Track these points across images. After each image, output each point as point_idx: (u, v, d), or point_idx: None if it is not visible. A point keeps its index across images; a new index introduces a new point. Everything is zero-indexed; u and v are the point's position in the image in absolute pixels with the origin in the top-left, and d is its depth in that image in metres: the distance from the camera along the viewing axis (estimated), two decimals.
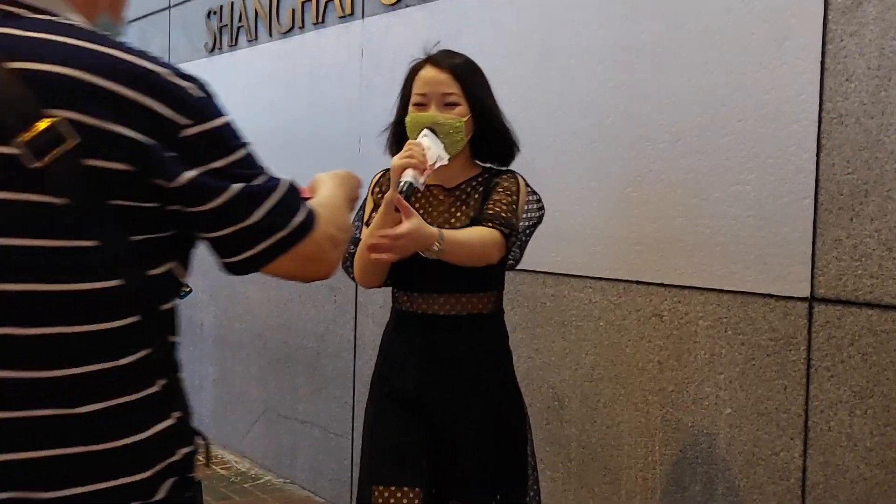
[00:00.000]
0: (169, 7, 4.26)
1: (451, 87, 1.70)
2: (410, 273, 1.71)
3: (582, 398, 2.27)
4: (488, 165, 1.81)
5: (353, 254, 1.76)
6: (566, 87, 2.31)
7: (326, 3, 3.21)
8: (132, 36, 4.66)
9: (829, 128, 1.78)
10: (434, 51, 1.78)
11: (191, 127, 0.83)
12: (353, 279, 1.81)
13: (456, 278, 1.67)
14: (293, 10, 3.37)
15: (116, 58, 0.81)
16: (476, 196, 1.74)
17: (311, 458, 3.35)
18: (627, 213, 2.16)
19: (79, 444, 0.82)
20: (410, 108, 1.73)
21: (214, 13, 3.87)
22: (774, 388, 1.87)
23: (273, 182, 0.89)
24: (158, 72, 0.83)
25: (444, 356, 1.72)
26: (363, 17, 3.04)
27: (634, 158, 2.14)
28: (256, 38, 3.62)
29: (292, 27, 3.39)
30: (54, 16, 0.84)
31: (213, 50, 3.92)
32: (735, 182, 1.93)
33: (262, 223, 0.87)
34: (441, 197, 1.75)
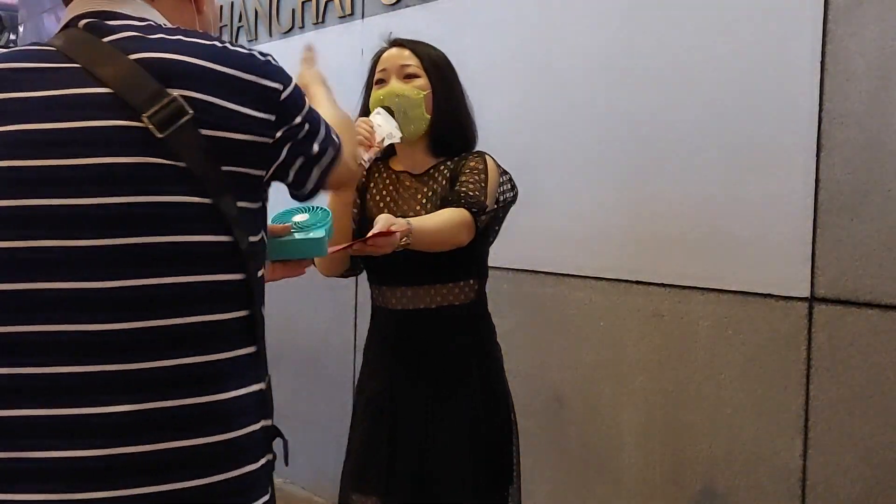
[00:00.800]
0: None
1: (411, 60, 1.65)
2: (377, 264, 1.62)
3: (582, 398, 2.27)
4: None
5: None
6: (566, 86, 2.31)
7: (326, 3, 3.21)
8: None
9: (829, 128, 1.78)
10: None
11: (284, 90, 0.99)
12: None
13: (427, 267, 1.58)
14: (293, 10, 3.37)
15: (218, 46, 0.95)
16: (443, 181, 1.65)
17: (310, 458, 3.35)
18: (628, 213, 2.16)
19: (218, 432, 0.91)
20: (373, 89, 1.69)
21: None
22: (775, 387, 1.87)
23: (317, 115, 1.06)
24: (253, 53, 0.98)
25: (415, 355, 1.62)
26: (363, 17, 3.04)
27: (634, 158, 2.14)
28: (256, 38, 3.62)
29: (292, 27, 3.39)
30: (137, 23, 0.97)
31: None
32: (735, 182, 1.94)
33: (318, 152, 1.04)
34: (407, 183, 1.68)
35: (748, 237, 1.91)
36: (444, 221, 1.52)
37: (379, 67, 1.69)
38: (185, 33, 0.95)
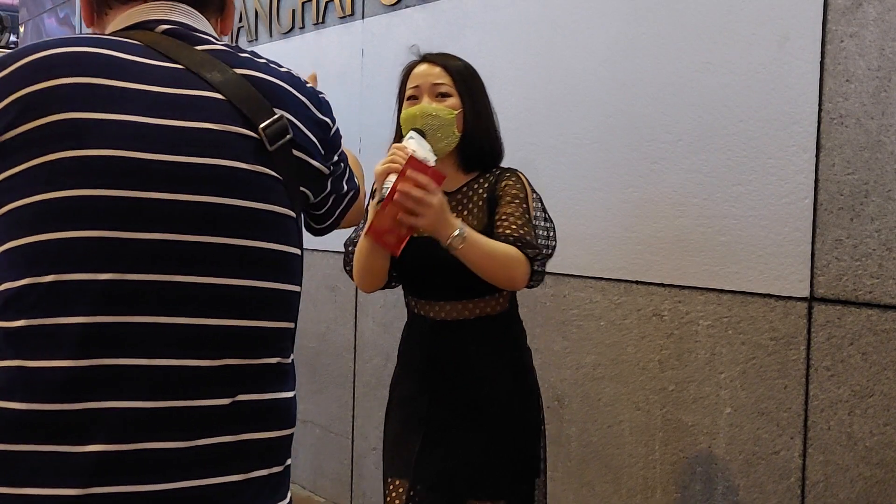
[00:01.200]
0: None
1: (443, 79, 1.66)
2: (415, 281, 1.68)
3: (583, 397, 2.28)
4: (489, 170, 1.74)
5: (353, 254, 1.71)
6: (567, 87, 2.32)
7: (327, 4, 3.21)
8: None
9: (828, 128, 1.78)
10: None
11: (333, 126, 1.06)
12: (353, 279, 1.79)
13: (463, 286, 1.61)
14: (293, 11, 3.37)
15: (293, 74, 1.01)
16: (480, 202, 1.66)
17: (311, 457, 3.35)
18: (628, 213, 2.16)
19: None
20: (404, 104, 1.69)
21: None
22: (775, 387, 1.87)
23: (345, 156, 1.10)
24: (310, 83, 1.05)
25: (451, 361, 1.67)
26: (363, 17, 3.05)
27: (635, 159, 2.15)
28: (256, 39, 3.63)
29: (292, 27, 3.39)
30: (216, 40, 1.01)
31: None
32: (735, 182, 1.94)
33: (346, 191, 1.10)
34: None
35: (748, 237, 1.92)
36: (503, 251, 1.51)
37: (411, 84, 1.68)
38: (258, 55, 1.00)
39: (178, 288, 0.85)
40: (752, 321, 1.91)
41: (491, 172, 1.70)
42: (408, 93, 1.68)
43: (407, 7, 2.86)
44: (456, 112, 1.64)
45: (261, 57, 1.00)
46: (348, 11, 3.10)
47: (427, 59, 1.70)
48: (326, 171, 1.02)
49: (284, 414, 0.94)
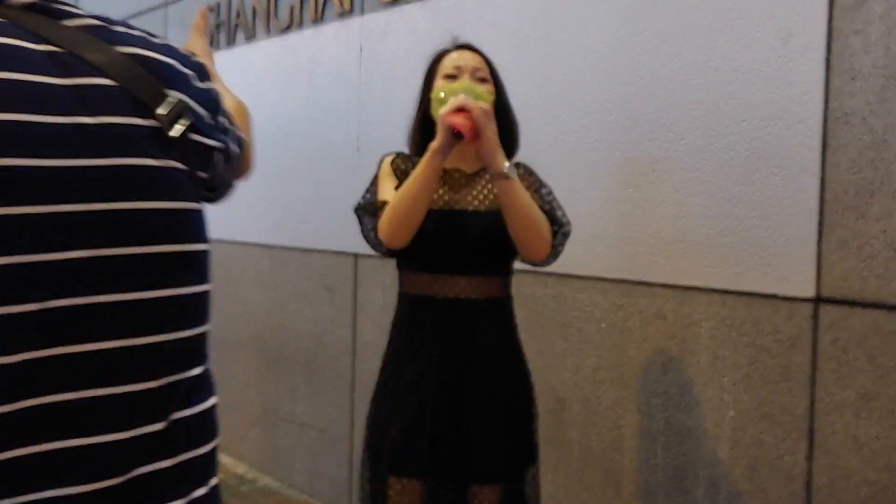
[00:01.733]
0: (166, 4, 4.23)
1: (482, 65, 1.76)
2: (436, 252, 1.70)
3: (583, 400, 2.25)
4: None
5: (377, 220, 1.71)
6: (567, 85, 2.29)
7: (325, 1, 3.18)
8: None
9: (834, 127, 1.76)
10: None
11: (212, 90, 0.92)
12: (380, 249, 1.74)
13: (480, 260, 1.70)
14: (291, 8, 3.35)
15: (171, 45, 0.89)
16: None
17: (309, 460, 3.32)
18: (630, 214, 2.14)
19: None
20: (439, 82, 1.74)
21: (212, 10, 3.84)
22: (779, 390, 1.85)
23: (226, 112, 0.98)
24: (194, 34, 0.92)
25: (462, 342, 1.70)
26: (362, 14, 3.02)
27: (637, 158, 2.12)
28: (254, 36, 3.60)
29: (290, 24, 3.37)
30: (79, 9, 0.90)
31: (210, 47, 3.89)
32: (739, 182, 1.91)
33: (236, 154, 0.97)
34: (463, 181, 1.77)
35: (752, 237, 1.89)
36: (538, 210, 1.66)
37: (450, 64, 1.76)
38: (132, 27, 0.88)
39: (101, 310, 0.76)
40: (756, 323, 1.89)
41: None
42: (447, 71, 1.75)
43: (406, 4, 2.83)
44: (493, 97, 1.71)
45: (134, 28, 0.88)
46: (347, 8, 3.07)
47: (467, 46, 1.79)
48: (220, 146, 0.90)
49: (214, 425, 0.88)
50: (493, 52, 2.47)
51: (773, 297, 1.85)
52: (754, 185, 1.89)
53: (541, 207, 1.69)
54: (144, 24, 4.47)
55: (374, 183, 1.79)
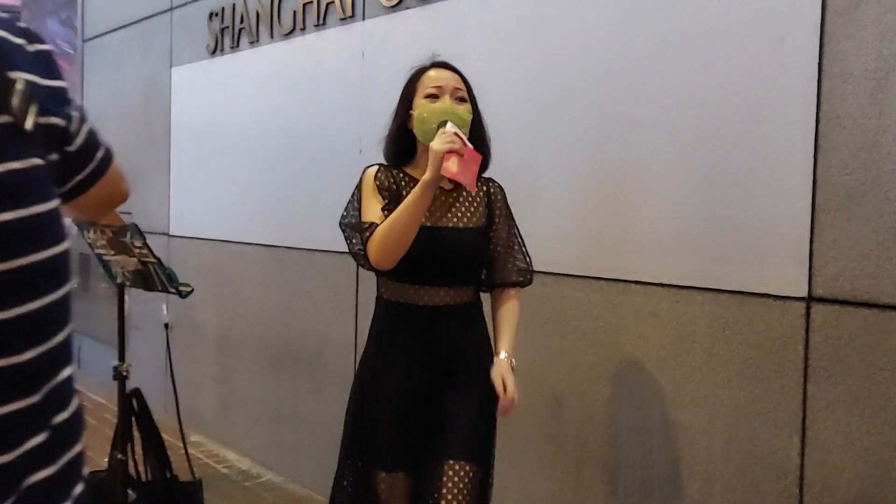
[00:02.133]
0: (171, 9, 4.28)
1: (461, 85, 1.84)
2: (424, 267, 1.81)
3: (580, 397, 2.28)
4: None
5: (366, 241, 1.78)
6: (565, 88, 2.32)
7: (327, 5, 3.22)
8: (134, 38, 4.68)
9: (826, 129, 1.79)
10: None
11: (63, 82, 0.85)
12: (367, 266, 1.83)
13: (463, 275, 1.84)
14: (294, 12, 3.38)
15: (13, 20, 0.80)
16: (480, 197, 1.88)
17: (312, 456, 3.36)
18: (626, 214, 2.17)
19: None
20: (420, 101, 1.82)
21: (216, 15, 3.88)
22: (772, 387, 1.88)
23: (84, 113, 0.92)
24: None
25: (442, 343, 1.83)
26: (364, 18, 3.06)
27: (632, 160, 2.15)
28: (258, 40, 3.64)
29: (293, 29, 3.40)
30: None
31: (214, 52, 3.93)
32: (733, 183, 1.95)
33: (97, 153, 0.90)
34: (443, 198, 1.85)
35: (746, 237, 1.92)
36: (517, 316, 1.89)
37: (430, 83, 1.83)
38: None
39: None
40: (750, 321, 1.92)
41: (483, 180, 1.90)
42: (428, 90, 1.83)
43: (407, 9, 2.87)
44: (471, 116, 1.83)
45: None
46: (349, 13, 3.11)
47: (444, 65, 1.87)
48: (63, 122, 0.81)
49: (83, 421, 0.85)
50: (491, 56, 2.51)
51: (766, 296, 1.89)
52: (748, 186, 1.92)
53: (521, 276, 1.90)
54: (149, 28, 4.52)
55: (359, 199, 1.86)
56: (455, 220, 1.84)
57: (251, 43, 3.67)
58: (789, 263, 1.84)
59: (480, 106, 1.88)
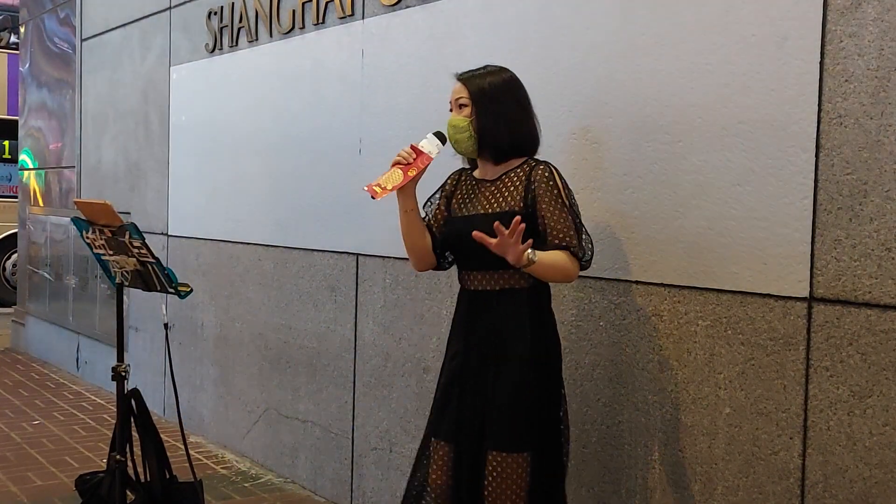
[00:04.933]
0: (170, 7, 4.27)
1: (462, 93, 2.02)
2: (457, 252, 2.07)
3: (582, 397, 2.28)
4: (525, 158, 2.02)
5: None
6: (566, 87, 2.32)
7: (327, 4, 3.21)
8: (133, 37, 4.67)
9: (828, 128, 1.78)
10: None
11: None
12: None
13: (486, 256, 1.89)
14: (294, 11, 3.38)
15: None
16: (518, 184, 1.98)
17: (311, 457, 3.35)
18: (627, 214, 2.17)
19: None
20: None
21: (215, 14, 3.88)
22: (774, 387, 1.87)
23: None
24: None
25: (480, 326, 1.99)
26: (363, 17, 3.05)
27: (635, 159, 2.15)
28: (257, 39, 3.63)
29: (293, 28, 3.40)
30: None
31: (213, 50, 3.92)
32: (735, 182, 1.94)
33: None
34: (482, 188, 2.05)
35: (747, 237, 1.92)
36: (562, 263, 1.90)
37: (450, 99, 2.07)
38: None
39: None
40: (751, 321, 1.91)
41: (526, 162, 2.01)
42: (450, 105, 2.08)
43: (407, 7, 2.86)
44: (469, 120, 1.99)
45: None
46: (348, 12, 3.10)
47: (458, 77, 2.06)
48: None
49: None
50: (492, 55, 2.50)
51: (768, 296, 1.88)
52: (750, 185, 1.91)
53: (564, 244, 1.90)
54: (148, 27, 4.51)
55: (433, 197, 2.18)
56: (485, 206, 2.01)
57: (250, 42, 3.66)
58: (791, 263, 1.84)
59: None
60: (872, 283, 1.72)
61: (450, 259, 2.11)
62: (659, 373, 2.10)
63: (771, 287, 1.87)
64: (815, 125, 1.80)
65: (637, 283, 2.15)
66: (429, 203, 2.14)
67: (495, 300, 1.97)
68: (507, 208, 1.95)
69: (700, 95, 2.00)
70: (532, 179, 1.95)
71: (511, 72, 2.05)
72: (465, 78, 2.03)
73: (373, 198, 1.95)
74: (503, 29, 2.50)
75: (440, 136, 2.02)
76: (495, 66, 2.05)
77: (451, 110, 2.04)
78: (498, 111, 1.98)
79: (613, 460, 2.20)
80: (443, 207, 2.11)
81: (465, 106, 1.99)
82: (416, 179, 2.00)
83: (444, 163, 2.11)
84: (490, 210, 1.98)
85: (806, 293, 1.82)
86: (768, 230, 1.88)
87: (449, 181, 2.13)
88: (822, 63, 1.79)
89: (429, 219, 2.11)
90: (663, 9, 2.08)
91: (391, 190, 1.95)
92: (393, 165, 1.98)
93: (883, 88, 1.70)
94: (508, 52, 2.46)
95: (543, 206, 1.93)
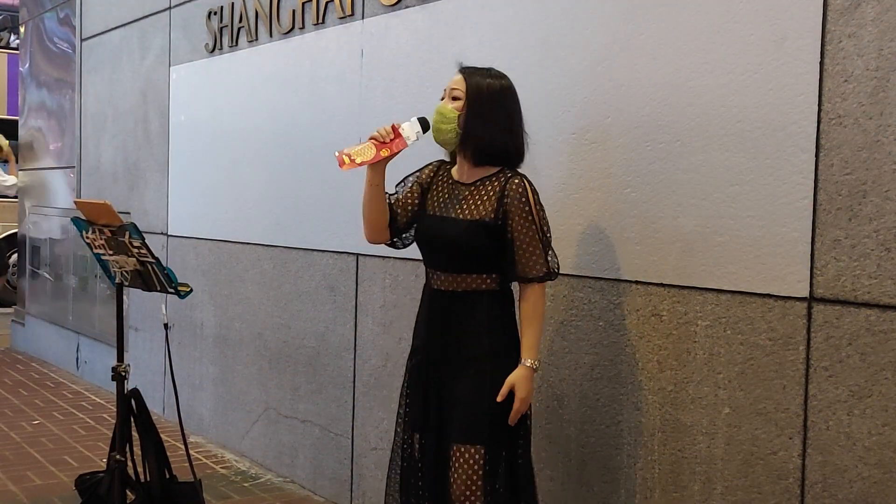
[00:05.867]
0: (170, 7, 4.27)
1: (460, 85, 2.02)
2: (424, 251, 2.10)
3: (581, 397, 2.28)
4: (502, 167, 2.03)
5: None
6: (565, 87, 2.32)
7: (327, 4, 3.21)
8: (133, 36, 4.67)
9: (827, 128, 1.78)
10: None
11: None
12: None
13: (456, 262, 2.01)
14: (293, 11, 3.38)
15: None
16: (492, 195, 2.00)
17: (311, 457, 3.35)
18: (626, 214, 2.17)
19: None
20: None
21: (215, 14, 3.88)
22: (773, 387, 1.87)
23: None
24: None
25: (443, 324, 2.03)
26: (363, 17, 3.05)
27: (633, 159, 2.15)
28: (257, 39, 3.63)
29: (293, 28, 3.40)
30: None
31: (213, 50, 3.93)
32: (734, 182, 1.94)
33: None
34: (456, 191, 2.06)
35: (747, 237, 1.92)
36: (539, 319, 1.99)
37: (446, 87, 2.08)
38: None
39: None
40: (751, 321, 1.91)
41: (503, 171, 2.02)
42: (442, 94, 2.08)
43: (407, 7, 2.86)
44: (458, 113, 1.99)
45: None
46: (348, 12, 3.10)
47: (460, 69, 2.06)
48: None
49: None
50: (491, 54, 2.50)
51: (768, 296, 1.88)
52: (749, 185, 1.91)
53: (538, 275, 1.97)
54: (148, 27, 4.51)
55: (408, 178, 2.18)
56: (459, 210, 2.02)
57: (250, 42, 3.67)
58: (790, 263, 1.84)
59: None
60: (872, 284, 1.72)
61: (406, 242, 2.15)
62: (658, 373, 2.10)
63: (770, 287, 1.87)
64: (815, 125, 1.80)
65: (636, 282, 2.15)
66: (402, 183, 2.14)
67: (459, 301, 2.01)
68: (478, 217, 1.98)
69: (699, 95, 2.00)
70: (506, 193, 1.97)
71: (511, 83, 2.05)
72: (467, 73, 2.03)
73: (339, 167, 1.97)
74: (503, 29, 2.51)
75: (423, 123, 2.03)
76: (499, 72, 2.06)
77: (442, 98, 2.04)
78: (487, 115, 1.99)
79: (613, 460, 2.20)
80: (415, 195, 2.11)
81: (459, 99, 2.00)
82: (386, 160, 2.00)
83: (430, 153, 2.11)
84: (462, 216, 2.00)
85: (805, 293, 1.82)
86: (767, 230, 1.88)
87: (427, 169, 2.14)
88: (821, 63, 1.79)
89: (397, 198, 2.11)
90: (662, 9, 2.08)
91: (359, 164, 1.97)
92: (369, 139, 2.00)
93: (882, 89, 1.70)
94: (508, 52, 2.46)
95: (515, 225, 1.96)
